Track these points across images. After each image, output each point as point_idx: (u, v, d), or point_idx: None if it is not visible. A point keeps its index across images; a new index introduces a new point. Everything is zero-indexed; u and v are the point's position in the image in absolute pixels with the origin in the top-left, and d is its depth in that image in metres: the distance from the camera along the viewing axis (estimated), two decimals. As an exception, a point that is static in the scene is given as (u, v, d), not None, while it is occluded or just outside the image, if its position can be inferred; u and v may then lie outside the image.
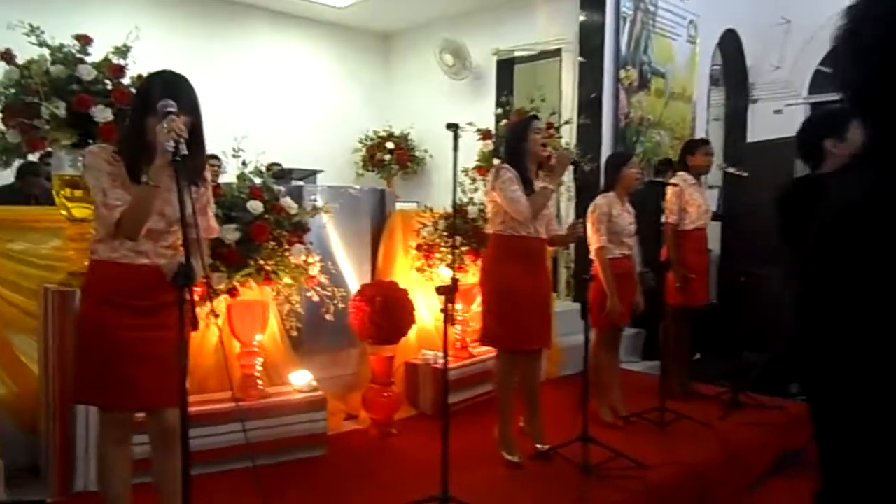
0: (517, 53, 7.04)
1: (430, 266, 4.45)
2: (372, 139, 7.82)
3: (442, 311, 2.78)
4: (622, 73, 5.94)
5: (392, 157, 7.68)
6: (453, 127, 2.74)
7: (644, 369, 5.45)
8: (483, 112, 6.61)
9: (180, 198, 1.92)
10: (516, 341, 3.48)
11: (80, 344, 2.24)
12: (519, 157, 3.49)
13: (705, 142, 4.71)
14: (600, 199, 4.06)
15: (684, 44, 6.56)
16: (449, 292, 2.71)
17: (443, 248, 4.40)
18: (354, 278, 4.48)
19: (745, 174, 4.37)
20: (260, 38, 7.37)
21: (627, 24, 5.97)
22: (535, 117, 3.68)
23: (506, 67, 7.30)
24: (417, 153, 7.87)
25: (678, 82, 6.53)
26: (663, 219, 4.54)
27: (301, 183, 4.40)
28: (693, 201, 4.52)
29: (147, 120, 2.10)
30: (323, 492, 3.24)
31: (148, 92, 2.17)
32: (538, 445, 3.62)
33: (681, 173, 4.60)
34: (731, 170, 4.41)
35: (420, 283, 4.57)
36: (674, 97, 6.50)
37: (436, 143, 7.79)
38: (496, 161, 4.84)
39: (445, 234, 4.38)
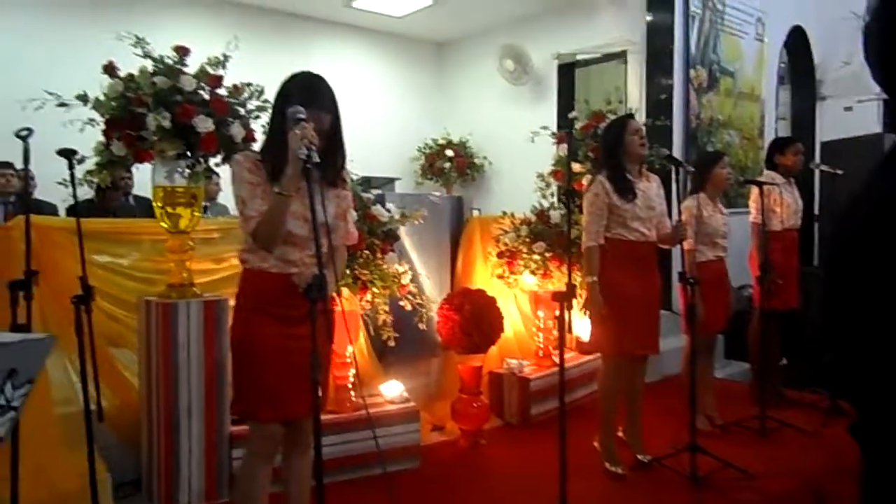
0: (579, 57, 6.94)
1: (512, 273, 4.36)
2: (431, 147, 7.79)
3: (556, 317, 2.69)
4: (692, 73, 5.81)
5: (452, 164, 7.62)
6: (567, 132, 2.65)
7: (727, 375, 5.29)
8: (543, 117, 6.53)
9: (312, 207, 1.87)
10: (623, 347, 3.37)
11: (232, 355, 2.21)
12: (616, 159, 3.39)
13: (794, 140, 4.56)
14: (689, 201, 3.95)
15: (752, 42, 6.40)
16: (565, 298, 2.62)
17: (525, 255, 4.32)
18: (435, 287, 4.43)
19: (840, 172, 4.20)
20: (318, 49, 7.39)
21: (696, 23, 5.84)
22: (631, 117, 3.58)
23: (567, 71, 7.20)
24: (476, 160, 7.80)
25: (746, 81, 6.36)
26: (750, 219, 4.41)
27: (380, 191, 4.35)
28: (782, 201, 4.37)
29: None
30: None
31: (286, 96, 2.13)
32: (639, 456, 3.50)
33: (769, 172, 4.46)
34: (823, 168, 4.25)
35: (500, 290, 4.48)
36: (742, 96, 6.34)
37: (495, 150, 7.74)
38: (576, 165, 4.73)
39: (528, 239, 4.29)
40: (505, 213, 4.55)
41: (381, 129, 7.59)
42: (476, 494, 3.30)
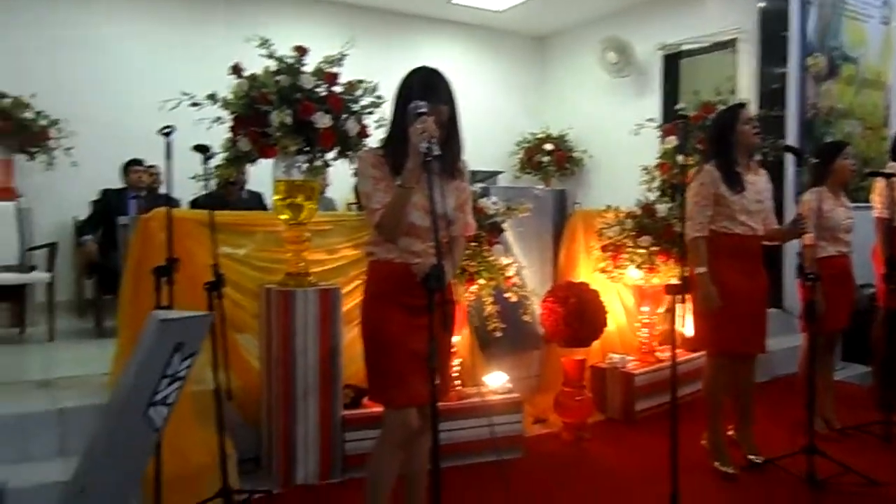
0: (685, 47, 6.74)
1: (617, 267, 4.30)
2: (530, 141, 7.79)
3: (668, 310, 2.65)
4: (809, 61, 5.53)
5: (551, 158, 7.59)
6: (682, 123, 2.60)
7: (844, 377, 5.01)
8: (646, 109, 6.42)
9: (431, 198, 1.91)
10: (728, 345, 3.28)
11: (364, 344, 2.28)
12: (726, 149, 3.29)
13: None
14: (808, 195, 3.79)
15: (878, 26, 6.02)
16: (679, 291, 2.58)
17: (630, 249, 4.25)
18: (537, 279, 4.43)
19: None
20: (421, 45, 7.55)
21: (814, 8, 5.56)
22: (743, 105, 3.46)
23: (672, 62, 7.02)
24: (576, 154, 7.74)
25: (871, 68, 6.00)
26: (874, 213, 4.17)
27: (484, 185, 4.40)
28: (909, 194, 4.10)
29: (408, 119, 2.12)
30: (530, 496, 3.17)
31: (406, 91, 2.20)
32: (751, 456, 3.40)
33: (893, 163, 4.20)
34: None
35: (602, 284, 4.44)
36: (865, 84, 5.98)
37: (596, 143, 7.65)
38: (680, 157, 4.62)
39: (633, 233, 4.23)
40: (609, 207, 4.50)
41: (482, 124, 7.60)
42: (582, 487, 3.30)
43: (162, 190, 5.42)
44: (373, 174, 2.18)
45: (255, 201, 5.62)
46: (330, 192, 6.24)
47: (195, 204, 4.81)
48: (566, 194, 4.76)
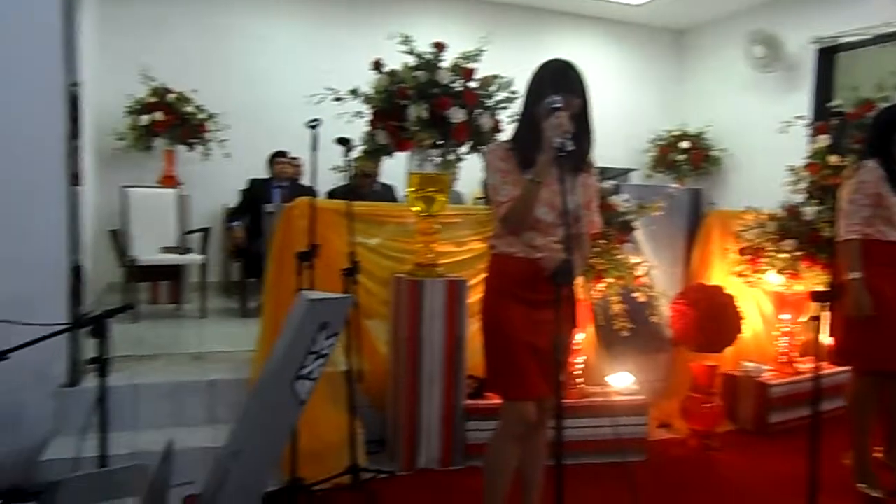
0: (843, 40, 6.26)
1: (755, 272, 4.09)
2: (664, 139, 7.54)
3: (813, 318, 2.50)
4: None
5: (686, 156, 7.31)
6: (841, 120, 2.44)
7: None
8: (794, 106, 6.03)
9: (563, 194, 1.90)
10: (880, 362, 3.03)
11: (483, 336, 2.32)
12: (887, 150, 3.04)
13: None
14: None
15: None
16: (828, 299, 2.42)
17: (771, 252, 4.03)
18: (667, 280, 4.29)
19: None
20: (555, 40, 7.48)
21: None
22: (910, 103, 3.18)
23: (826, 56, 6.54)
24: (713, 153, 7.40)
25: None
26: None
27: (615, 182, 4.31)
28: None
29: (538, 112, 2.11)
30: (653, 500, 3.10)
31: (539, 84, 2.20)
32: (903, 483, 3.14)
33: None
34: None
35: (738, 289, 4.22)
36: None
37: (735, 142, 7.29)
38: (833, 158, 4.31)
39: (776, 236, 4.00)
40: (748, 208, 4.28)
41: (615, 120, 7.48)
42: (709, 496, 3.19)
43: (303, 180, 5.74)
44: (501, 167, 2.19)
45: (388, 193, 5.81)
46: (458, 186, 6.35)
47: (332, 194, 5.03)
48: (701, 194, 4.57)
